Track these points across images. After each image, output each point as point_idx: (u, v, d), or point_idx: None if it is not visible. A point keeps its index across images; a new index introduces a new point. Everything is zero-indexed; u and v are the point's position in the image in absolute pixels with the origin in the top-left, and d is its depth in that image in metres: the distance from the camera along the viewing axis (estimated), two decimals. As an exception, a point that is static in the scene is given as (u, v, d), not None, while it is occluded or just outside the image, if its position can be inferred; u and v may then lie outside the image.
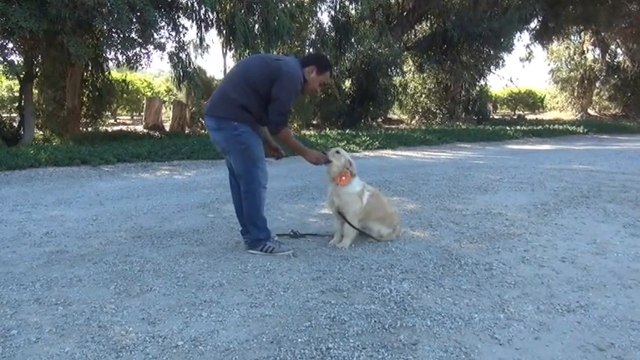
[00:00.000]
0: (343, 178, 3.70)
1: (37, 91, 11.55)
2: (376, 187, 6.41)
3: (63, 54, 9.63)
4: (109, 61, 11.96)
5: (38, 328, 2.42)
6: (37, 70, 11.25)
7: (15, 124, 11.65)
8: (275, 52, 13.12)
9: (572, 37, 26.24)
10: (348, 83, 17.80)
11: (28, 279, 3.05)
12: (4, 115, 13.88)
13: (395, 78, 18.66)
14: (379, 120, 19.20)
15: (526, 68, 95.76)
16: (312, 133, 14.52)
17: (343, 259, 3.49)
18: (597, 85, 27.29)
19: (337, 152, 3.78)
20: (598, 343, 2.34)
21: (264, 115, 3.40)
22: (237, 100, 3.34)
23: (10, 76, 11.74)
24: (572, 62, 26.59)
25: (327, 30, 16.05)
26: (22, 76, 10.49)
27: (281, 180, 6.93)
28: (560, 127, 18.23)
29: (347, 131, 14.05)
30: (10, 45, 9.90)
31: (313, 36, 16.05)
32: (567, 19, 22.00)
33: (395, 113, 23.47)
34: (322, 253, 3.64)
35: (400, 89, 19.69)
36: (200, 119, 13.74)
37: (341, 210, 3.74)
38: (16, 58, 10.55)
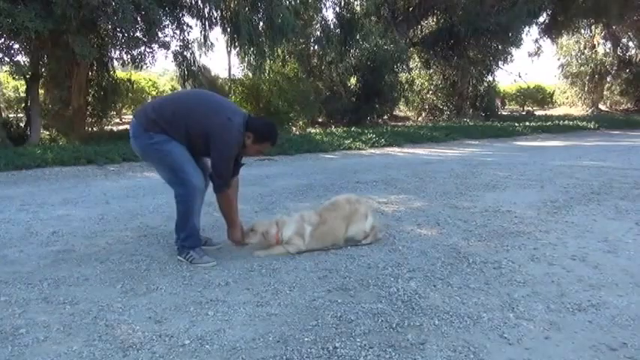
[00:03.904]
0: (276, 239, 3.58)
1: (42, 91, 11.55)
2: (383, 184, 6.40)
3: (68, 54, 9.61)
4: (114, 61, 11.95)
5: (46, 327, 2.42)
6: (43, 70, 11.25)
7: (21, 124, 11.69)
8: (275, 53, 13.02)
9: (583, 31, 25.97)
10: (353, 80, 17.75)
11: (35, 278, 3.06)
12: (10, 116, 13.95)
13: (401, 74, 18.60)
14: (385, 117, 19.13)
15: (535, 63, 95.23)
16: (317, 130, 14.48)
17: (350, 258, 3.47)
18: (608, 79, 27.04)
19: (252, 230, 3.59)
20: (610, 342, 2.31)
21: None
22: (162, 126, 3.22)
23: (17, 77, 11.76)
24: (582, 56, 26.33)
25: (331, 27, 16.01)
26: (28, 76, 10.52)
27: (286, 178, 6.92)
28: (570, 122, 18.10)
29: (352, 129, 14.02)
30: (16, 45, 9.91)
31: (318, 33, 16.03)
32: (577, 12, 21.73)
33: (401, 110, 23.38)
34: (328, 251, 3.62)
35: (406, 86, 19.62)
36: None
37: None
38: (22, 59, 10.60)
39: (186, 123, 3.23)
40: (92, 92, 12.23)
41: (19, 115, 13.65)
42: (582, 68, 26.29)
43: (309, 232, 3.62)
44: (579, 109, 26.40)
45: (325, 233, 3.67)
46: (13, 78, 13.41)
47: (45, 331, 2.38)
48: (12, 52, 9.63)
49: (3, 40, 9.24)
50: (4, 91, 16.44)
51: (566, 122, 18.03)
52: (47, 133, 11.72)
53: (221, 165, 3.27)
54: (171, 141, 3.23)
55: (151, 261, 3.40)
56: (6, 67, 10.17)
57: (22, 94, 13.36)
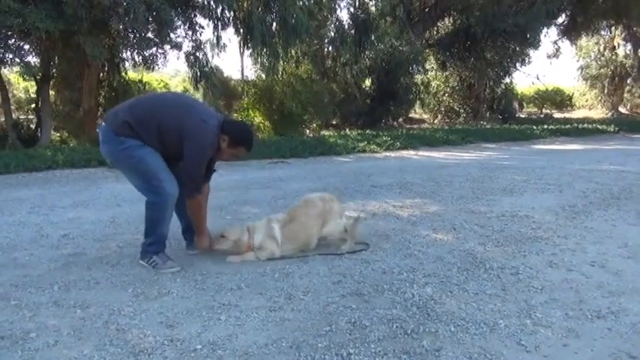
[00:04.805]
0: (248, 246, 3.48)
1: (53, 92, 11.56)
2: (398, 188, 6.34)
3: (79, 54, 9.61)
4: (126, 62, 11.90)
5: (57, 331, 2.42)
6: (54, 71, 11.26)
7: (32, 126, 11.77)
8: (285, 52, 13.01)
9: (602, 32, 25.54)
10: (368, 82, 17.69)
11: (46, 281, 3.06)
12: (21, 117, 14.05)
13: (417, 76, 18.46)
14: (400, 120, 19.03)
15: (553, 65, 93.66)
16: (331, 133, 14.45)
17: (364, 263, 3.43)
18: (629, 81, 26.58)
19: (222, 236, 3.50)
20: (630, 350, 2.25)
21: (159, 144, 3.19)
22: (134, 128, 3.09)
23: (27, 78, 11.82)
24: (602, 58, 25.92)
25: (346, 27, 15.96)
26: (38, 77, 10.56)
27: (299, 181, 6.90)
28: (590, 125, 17.83)
29: (367, 131, 13.95)
30: (27, 46, 9.96)
31: (332, 33, 16.01)
32: (597, 13, 21.32)
33: (417, 113, 23.24)
34: (342, 256, 3.58)
35: (422, 88, 19.44)
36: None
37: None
38: (33, 59, 10.64)
39: (158, 123, 3.09)
40: (103, 93, 12.16)
41: (29, 117, 13.74)
42: (602, 70, 25.89)
43: (277, 230, 3.50)
44: (599, 112, 25.98)
45: (296, 231, 3.56)
46: (24, 79, 13.52)
47: (55, 335, 2.37)
48: (22, 52, 9.66)
49: (13, 40, 9.31)
50: (15, 92, 16.56)
51: (585, 125, 17.75)
52: (58, 134, 11.78)
53: (194, 168, 3.17)
54: (144, 146, 3.10)
55: (163, 264, 3.38)
56: (16, 68, 10.25)
57: (33, 96, 13.44)
